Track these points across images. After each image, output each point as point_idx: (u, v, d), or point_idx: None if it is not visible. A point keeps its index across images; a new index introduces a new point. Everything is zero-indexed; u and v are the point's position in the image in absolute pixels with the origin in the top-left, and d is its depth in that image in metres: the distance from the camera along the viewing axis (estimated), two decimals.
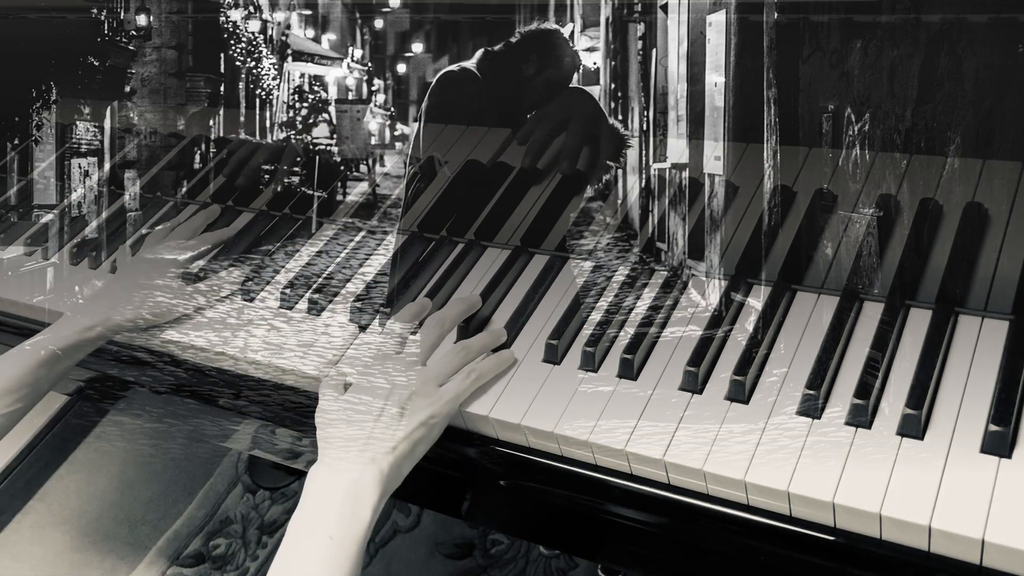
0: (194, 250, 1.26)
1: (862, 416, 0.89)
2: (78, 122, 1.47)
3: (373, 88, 1.32)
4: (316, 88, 1.35)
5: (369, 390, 0.99)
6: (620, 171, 1.16)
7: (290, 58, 1.35)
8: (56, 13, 1.46)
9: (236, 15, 1.34)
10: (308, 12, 1.34)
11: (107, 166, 1.46)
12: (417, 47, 1.28)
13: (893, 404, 0.90)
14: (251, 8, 1.34)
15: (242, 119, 1.37)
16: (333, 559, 0.86)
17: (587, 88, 1.17)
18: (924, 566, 0.81)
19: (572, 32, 1.16)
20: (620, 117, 1.14)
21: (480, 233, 1.24)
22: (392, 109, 1.31)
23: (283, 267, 1.26)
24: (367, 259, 1.24)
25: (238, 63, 1.35)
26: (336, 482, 0.90)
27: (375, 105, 1.32)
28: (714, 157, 1.09)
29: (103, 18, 1.40)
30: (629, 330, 1.05)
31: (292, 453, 1.18)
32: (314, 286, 1.21)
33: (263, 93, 1.36)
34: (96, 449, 1.92)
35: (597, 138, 1.17)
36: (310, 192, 1.33)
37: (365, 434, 0.94)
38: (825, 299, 1.03)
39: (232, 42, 1.35)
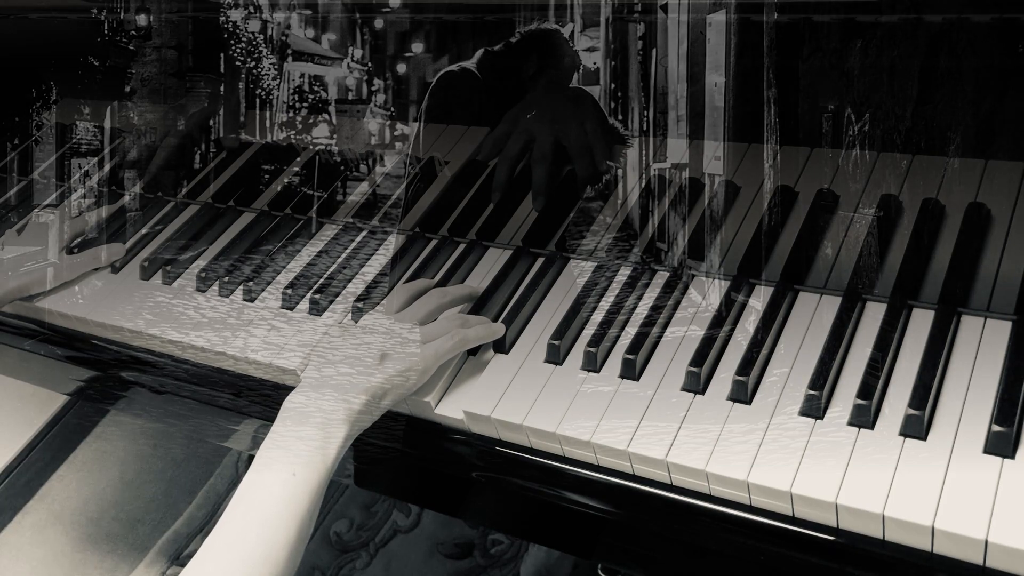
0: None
1: (865, 416, 0.89)
2: (78, 122, 1.46)
3: (373, 88, 1.31)
4: (316, 88, 1.35)
5: (362, 330, 1.03)
6: (620, 171, 1.16)
7: (290, 58, 1.35)
8: (56, 13, 1.46)
9: (236, 15, 1.34)
10: (308, 12, 1.34)
11: (107, 166, 1.46)
12: (417, 47, 1.28)
13: (895, 405, 0.90)
14: (251, 8, 1.33)
15: (242, 119, 1.37)
16: (294, 494, 0.89)
17: (587, 88, 1.17)
18: (927, 567, 0.81)
19: (572, 32, 1.16)
20: (620, 117, 1.14)
21: (481, 233, 1.24)
22: (392, 109, 1.31)
23: (284, 267, 1.26)
24: (368, 259, 1.24)
25: (238, 63, 1.35)
26: (308, 412, 0.94)
27: (375, 105, 1.31)
28: (714, 157, 1.09)
29: (103, 18, 1.39)
30: (630, 330, 1.05)
31: None
32: (315, 286, 1.21)
33: (263, 93, 1.36)
34: (96, 449, 1.92)
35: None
36: (310, 192, 1.33)
37: (344, 372, 0.98)
38: (827, 299, 1.03)
39: (232, 42, 1.35)
